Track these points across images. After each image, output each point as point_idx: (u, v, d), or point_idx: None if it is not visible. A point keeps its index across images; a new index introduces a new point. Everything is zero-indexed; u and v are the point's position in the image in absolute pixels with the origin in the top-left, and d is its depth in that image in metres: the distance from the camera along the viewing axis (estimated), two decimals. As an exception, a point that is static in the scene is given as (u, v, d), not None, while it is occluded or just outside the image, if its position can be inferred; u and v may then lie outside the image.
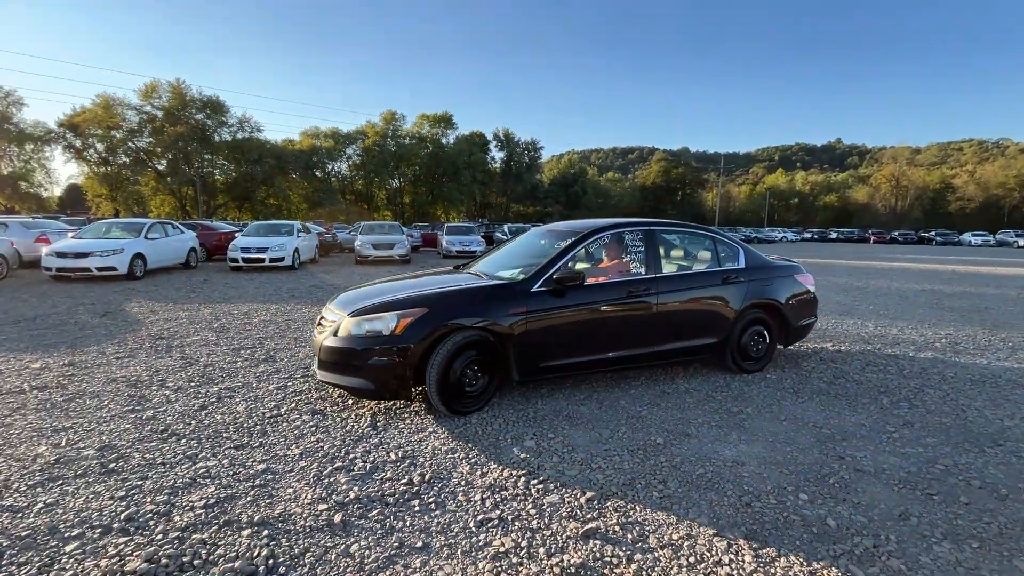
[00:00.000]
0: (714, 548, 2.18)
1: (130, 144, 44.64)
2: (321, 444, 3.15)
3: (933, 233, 53.52)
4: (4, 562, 2.03)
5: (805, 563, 2.09)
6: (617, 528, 2.32)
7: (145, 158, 45.41)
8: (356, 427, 3.42)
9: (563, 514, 2.43)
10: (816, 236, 57.36)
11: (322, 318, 3.95)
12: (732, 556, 2.13)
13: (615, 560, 2.11)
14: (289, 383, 4.32)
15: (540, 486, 2.68)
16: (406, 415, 3.63)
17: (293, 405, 3.81)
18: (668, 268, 4.51)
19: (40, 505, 2.44)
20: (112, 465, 2.83)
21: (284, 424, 3.45)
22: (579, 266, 4.31)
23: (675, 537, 2.26)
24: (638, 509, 2.48)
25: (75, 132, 42.84)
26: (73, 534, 2.22)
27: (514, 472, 2.82)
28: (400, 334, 3.44)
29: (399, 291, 3.91)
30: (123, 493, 2.55)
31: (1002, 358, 5.40)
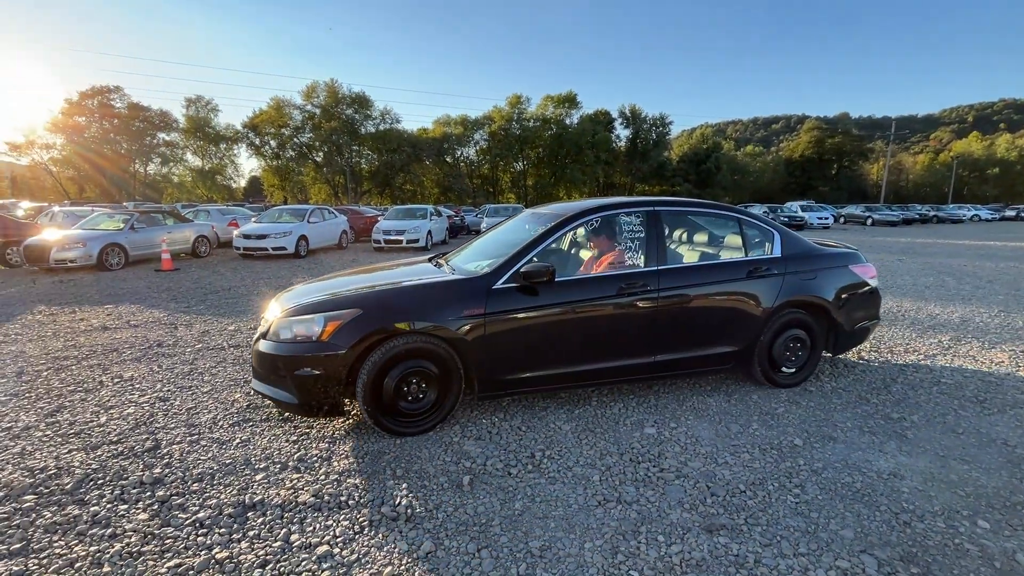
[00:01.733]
0: (863, 566, 1.97)
1: (295, 140, 51.45)
2: (453, 415, 3.42)
3: None
4: (214, 482, 2.57)
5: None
6: (744, 527, 2.20)
7: (306, 151, 52.04)
8: (487, 403, 3.64)
9: (685, 504, 2.36)
10: (1023, 215, 46.25)
11: (263, 317, 3.44)
12: (883, 577, 1.91)
13: (741, 560, 2.01)
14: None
15: (661, 474, 2.63)
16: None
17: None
18: (677, 259, 3.77)
19: (238, 441, 3.02)
20: (286, 415, 3.39)
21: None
22: (581, 254, 3.80)
23: (812, 547, 2.08)
24: (769, 511, 2.32)
25: (255, 132, 50.56)
26: (261, 467, 2.72)
27: (634, 457, 2.80)
28: (327, 340, 2.92)
29: (341, 287, 3.39)
30: (295, 438, 3.05)
31: None
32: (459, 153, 59.56)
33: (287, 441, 3.00)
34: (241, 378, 4.08)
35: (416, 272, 3.74)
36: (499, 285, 3.17)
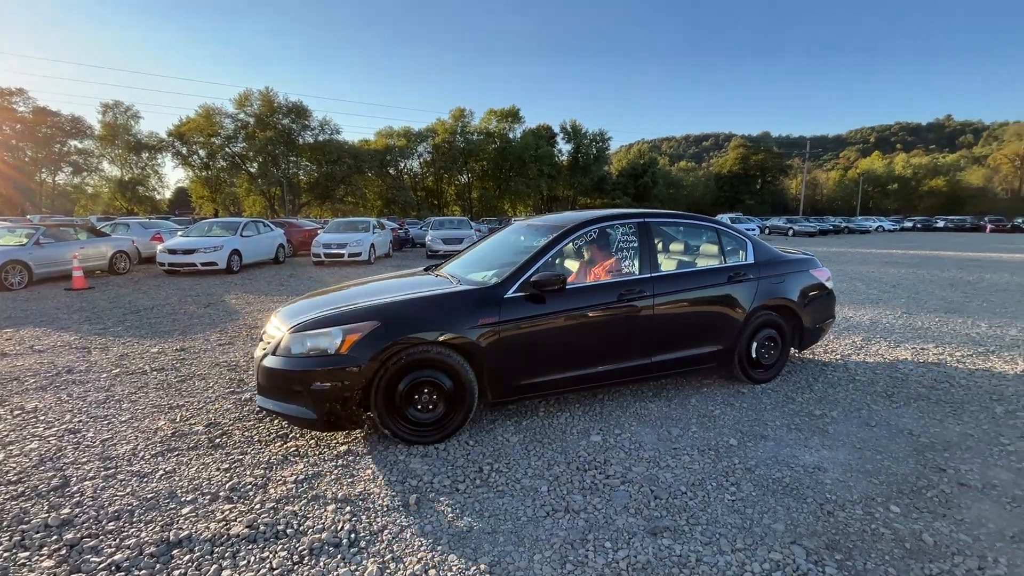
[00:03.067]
0: (792, 556, 2.09)
1: (227, 149, 48.92)
2: (396, 430, 3.33)
3: (1068, 220, 46.45)
4: (133, 519, 2.35)
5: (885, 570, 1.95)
6: (686, 528, 2.28)
7: (239, 162, 49.58)
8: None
9: (630, 510, 2.42)
10: (919, 225, 51.64)
11: (264, 332, 3.41)
12: (812, 566, 2.03)
13: (683, 559, 2.07)
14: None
15: (607, 481, 2.68)
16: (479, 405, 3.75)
17: (371, 392, 4.05)
18: (666, 266, 4.04)
19: (161, 472, 2.79)
20: (218, 440, 3.17)
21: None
22: (567, 264, 3.97)
23: (748, 542, 2.19)
24: (708, 510, 2.41)
25: (182, 140, 47.64)
26: (188, 499, 2.52)
27: (580, 466, 2.84)
28: (346, 353, 2.92)
29: (350, 300, 3.37)
30: (227, 466, 2.85)
31: None
32: (403, 165, 58.94)
33: (218, 470, 2.81)
34: (166, 404, 3.79)
35: (419, 283, 3.75)
36: (510, 294, 3.28)
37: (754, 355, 4.08)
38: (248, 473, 2.77)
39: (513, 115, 58.43)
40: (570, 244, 3.75)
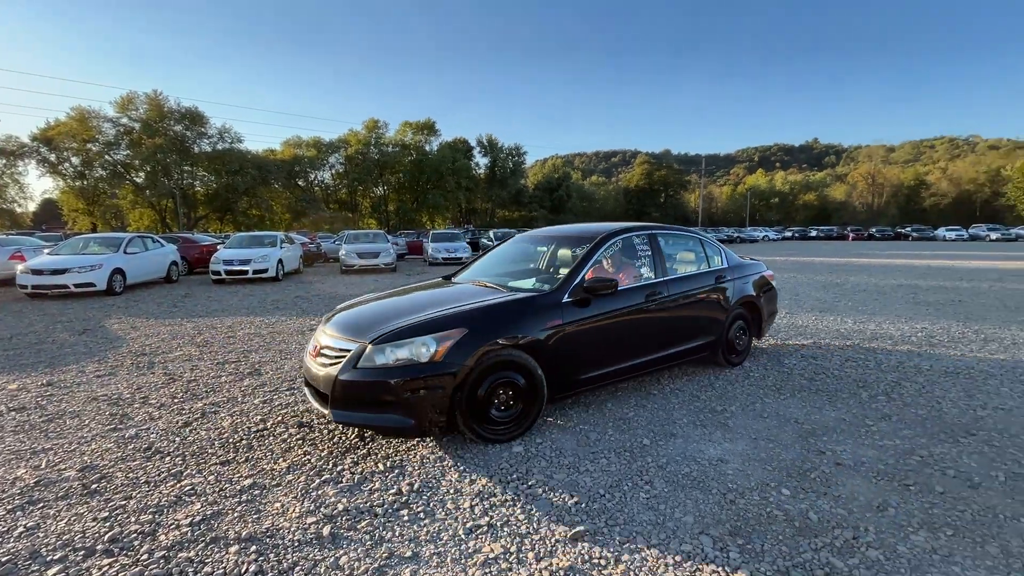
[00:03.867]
0: (700, 545, 2.22)
1: (107, 157, 43.84)
2: (308, 457, 3.13)
3: (909, 229, 54.85)
4: (-16, 589, 1.99)
5: (788, 557, 2.14)
6: (605, 530, 2.35)
7: (123, 171, 44.63)
8: (344, 439, 3.40)
9: (552, 518, 2.45)
10: (796, 235, 58.36)
11: (324, 347, 3.37)
12: (718, 552, 2.17)
13: (603, 562, 2.13)
14: (275, 396, 4.29)
15: (529, 491, 2.70)
16: (394, 425, 3.62)
17: (279, 418, 3.78)
18: (672, 271, 4.51)
19: (21, 529, 2.39)
20: (95, 486, 2.79)
21: (271, 438, 3.43)
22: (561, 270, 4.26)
23: (662, 537, 2.30)
24: (625, 511, 2.51)
25: (49, 146, 41.93)
26: (55, 558, 2.18)
27: (503, 478, 2.84)
28: (441, 360, 3.03)
29: (416, 309, 3.47)
30: (106, 514, 2.51)
31: (975, 350, 5.56)
32: (313, 177, 56.35)
33: (95, 519, 2.46)
34: (27, 449, 3.27)
35: (470, 292, 3.90)
36: (566, 299, 3.61)
37: (731, 343, 4.89)
38: (133, 520, 2.46)
39: (429, 127, 58.20)
40: (601, 253, 4.10)
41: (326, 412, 3.16)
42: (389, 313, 3.53)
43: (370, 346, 3.09)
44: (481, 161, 65.17)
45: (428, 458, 3.10)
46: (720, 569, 2.07)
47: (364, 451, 3.20)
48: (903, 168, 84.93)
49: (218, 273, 13.67)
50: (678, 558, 2.15)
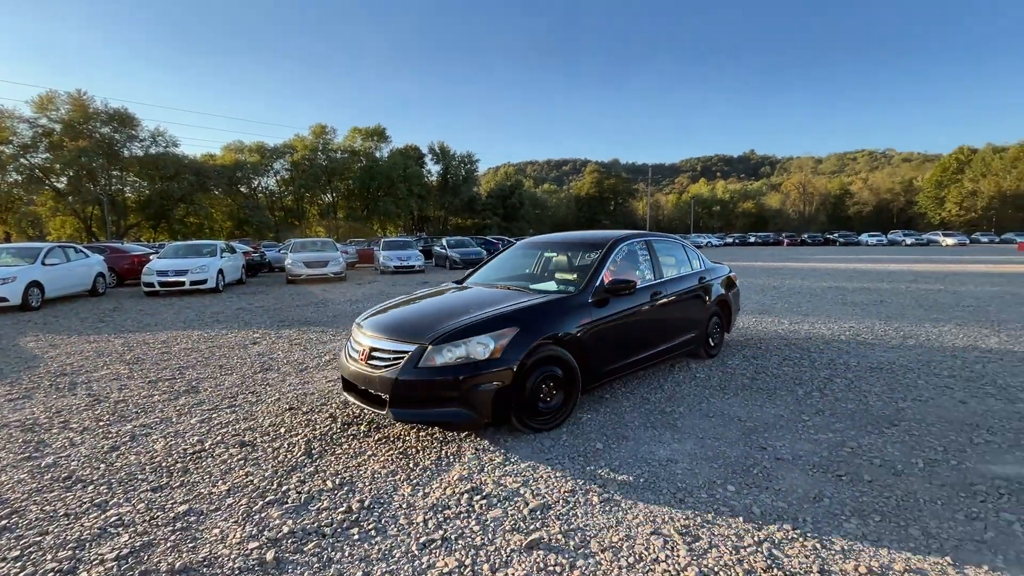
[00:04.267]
0: (651, 546, 2.27)
1: (23, 160, 40.36)
2: (251, 478, 2.97)
3: (837, 235, 58.95)
4: None
5: (733, 551, 2.22)
6: (560, 536, 2.36)
7: (41, 175, 41.20)
8: (289, 456, 3.26)
9: (507, 527, 2.44)
10: (737, 240, 61.46)
11: (375, 350, 3.51)
12: (668, 552, 2.23)
13: (559, 569, 2.14)
14: (214, 415, 4.05)
15: (483, 501, 2.67)
16: (343, 440, 3.51)
17: (219, 438, 3.57)
18: (666, 273, 4.97)
19: (-89, 577, 2.13)
20: (4, 522, 2.53)
21: (209, 460, 3.23)
22: (557, 275, 4.83)
23: (615, 539, 2.33)
24: (579, 515, 2.53)
25: (-47, 148, 38.15)
26: (-46, 606, 1.95)
27: (456, 489, 2.80)
28: (499, 356, 3.29)
29: (460, 311, 3.70)
30: (18, 552, 2.28)
31: (896, 346, 6.02)
32: (256, 183, 54.12)
33: (3, 560, 2.22)
34: (-80, 485, 2.91)
35: (492, 295, 4.18)
36: (591, 299, 3.97)
37: (709, 337, 5.43)
38: (49, 558, 2.24)
39: (379, 134, 57.32)
40: (613, 257, 4.47)
41: (382, 412, 3.34)
42: (437, 315, 3.77)
43: (430, 346, 3.30)
44: (433, 168, 64.87)
45: (379, 472, 3.01)
46: (671, 568, 2.12)
47: (311, 468, 3.08)
48: (830, 179, 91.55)
49: (151, 285, 12.81)
50: (631, 559, 2.18)
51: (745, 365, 5.28)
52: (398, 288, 13.87)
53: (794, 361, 5.41)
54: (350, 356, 3.73)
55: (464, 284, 4.89)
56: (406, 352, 3.34)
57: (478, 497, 2.72)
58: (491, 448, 3.33)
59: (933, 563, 2.14)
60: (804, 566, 2.12)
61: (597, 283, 4.10)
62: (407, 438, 3.50)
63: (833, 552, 2.21)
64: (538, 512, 2.56)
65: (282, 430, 3.70)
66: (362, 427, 3.71)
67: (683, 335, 4.95)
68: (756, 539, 2.31)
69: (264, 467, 3.10)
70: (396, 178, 54.35)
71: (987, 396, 4.20)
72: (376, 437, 3.52)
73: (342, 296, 12.27)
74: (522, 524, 2.46)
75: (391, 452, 3.29)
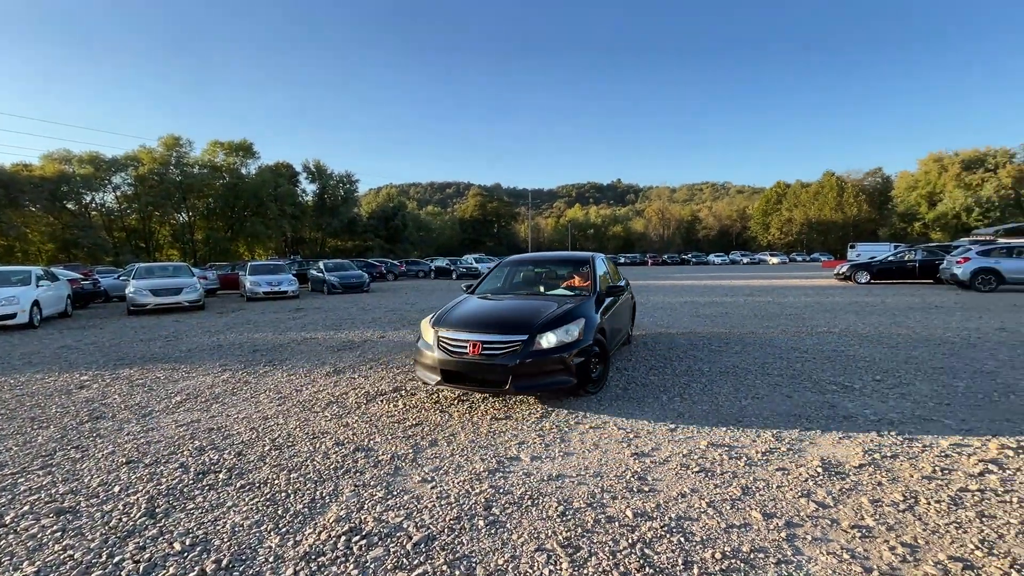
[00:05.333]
0: (535, 563, 2.30)
1: None
2: (70, 552, 2.46)
3: (690, 256, 66.82)
4: None
5: (610, 556, 2.34)
6: (445, 568, 2.29)
7: None
8: (125, 520, 2.76)
9: (389, 567, 2.30)
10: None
11: (487, 343, 4.47)
12: (552, 567, 2.27)
13: (444, 602, 2.06)
14: (20, 480, 3.31)
15: (363, 542, 2.51)
16: (197, 492, 3.07)
17: (25, 508, 2.92)
18: (614, 280, 6.61)
19: None
20: None
21: (11, 537, 2.61)
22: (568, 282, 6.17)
23: (500, 562, 2.32)
24: (465, 543, 2.48)
25: None
26: None
27: (333, 532, 2.59)
28: (582, 338, 4.57)
29: (528, 310, 4.97)
30: None
31: (738, 351, 6.92)
32: (89, 199, 46.36)
33: None
34: None
35: (527, 299, 5.62)
36: (598, 297, 5.49)
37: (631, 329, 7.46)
38: None
39: (245, 149, 52.59)
40: (595, 267, 6.07)
41: (502, 389, 4.37)
42: (520, 313, 4.94)
43: (537, 335, 4.46)
44: (309, 188, 61.16)
45: (241, 525, 2.67)
46: (555, 582, 2.16)
47: (154, 531, 2.64)
48: (683, 206, 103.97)
49: (-69, 322, 10.21)
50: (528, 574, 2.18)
51: (617, 377, 5.67)
52: (268, 316, 12.72)
53: (658, 370, 5.95)
54: (452, 352, 4.56)
55: (483, 294, 6.02)
56: (519, 341, 4.41)
57: (357, 538, 2.54)
58: (371, 483, 3.15)
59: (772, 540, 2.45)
60: (671, 560, 2.30)
61: (598, 287, 5.62)
62: (275, 482, 3.18)
63: (694, 543, 2.43)
64: (422, 545, 2.46)
65: (116, 489, 3.14)
66: (220, 475, 3.29)
67: (628, 324, 6.86)
68: (630, 541, 2.45)
69: (90, 537, 2.59)
70: (266, 197, 50.12)
71: (806, 391, 4.99)
72: (238, 484, 3.15)
73: (199, 327, 10.91)
74: (405, 561, 2.34)
75: (256, 500, 2.95)
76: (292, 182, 57.39)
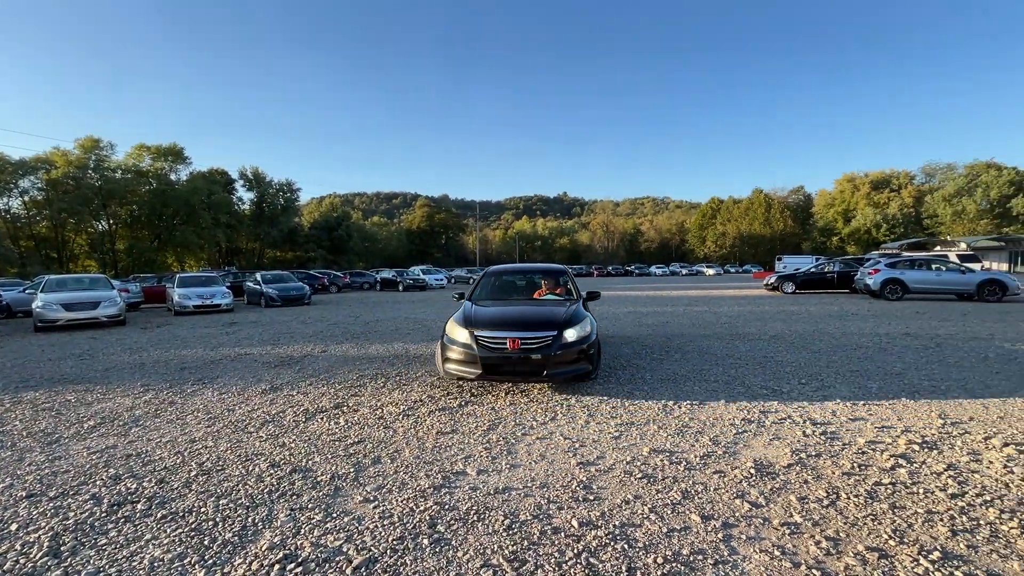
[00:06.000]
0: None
1: None
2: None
3: (634, 267, 69.18)
4: None
5: (556, 568, 2.33)
6: (387, 590, 2.20)
7: None
8: (23, 562, 2.47)
9: (327, 594, 2.19)
10: (557, 272, 67.66)
11: (524, 339, 5.20)
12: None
13: (385, 627, 1.98)
14: None
15: (298, 569, 2.37)
16: (110, 525, 2.80)
17: (-102, 555, 2.54)
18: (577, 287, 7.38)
19: None
20: None
21: None
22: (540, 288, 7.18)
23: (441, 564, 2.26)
24: (408, 563, 2.41)
25: None
26: None
27: (265, 561, 2.43)
28: (591, 333, 5.51)
29: (546, 312, 5.76)
30: None
31: (678, 359, 7.20)
32: (-12, 204, 41.88)
33: None
34: None
35: (532, 302, 6.61)
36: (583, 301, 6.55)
37: None
38: None
39: (175, 153, 49.49)
40: (570, 277, 7.28)
41: (540, 376, 5.19)
42: (540, 313, 5.76)
43: (564, 330, 5.30)
44: (246, 196, 58.34)
45: (161, 560, 2.46)
46: (500, 598, 2.13)
47: (58, 572, 2.37)
48: (626, 219, 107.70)
49: None
50: (462, 599, 2.13)
51: (564, 387, 5.74)
52: (198, 332, 11.94)
53: (603, 379, 6.07)
54: (492, 348, 5.23)
55: (482, 301, 6.63)
56: (550, 336, 5.22)
57: (292, 565, 2.40)
58: (309, 506, 2.99)
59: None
60: (615, 568, 2.32)
61: (581, 292, 6.86)
62: (202, 510, 2.95)
63: (613, 538, 2.47)
64: (363, 569, 2.36)
65: (13, 527, 2.81)
66: (139, 505, 3.02)
67: None
68: (575, 550, 2.46)
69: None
70: (198, 205, 47.21)
71: (739, 396, 5.26)
72: (159, 515, 2.90)
73: (119, 344, 10.06)
74: (345, 586, 2.24)
75: (179, 530, 2.73)
76: (228, 190, 54.63)
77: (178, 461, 3.75)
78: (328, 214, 70.04)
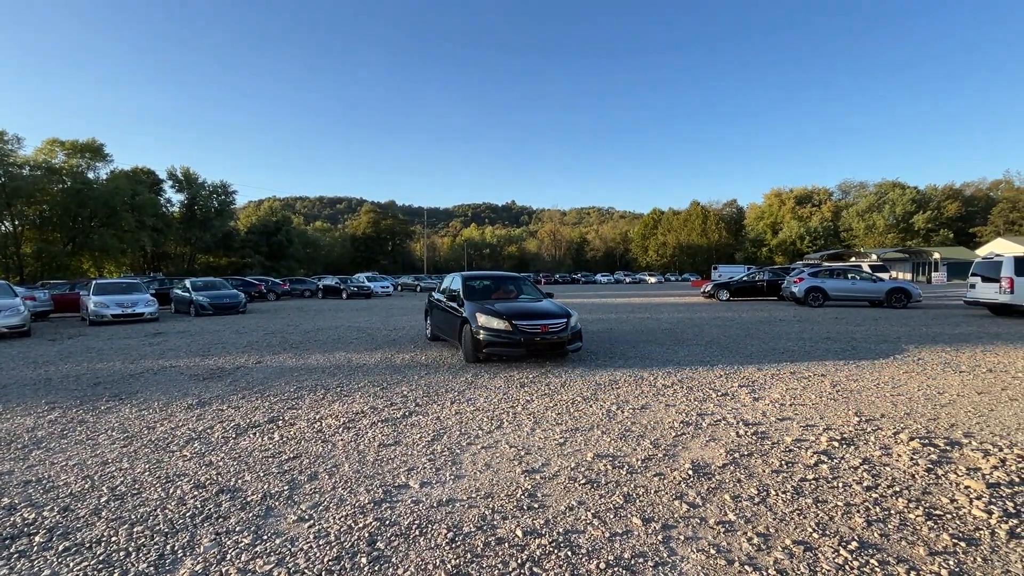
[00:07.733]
0: (423, 597, 2.18)
1: None
2: None
3: (580, 275, 70.72)
4: None
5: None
6: (321, 615, 2.08)
7: None
8: None
9: (254, 623, 2.04)
10: (505, 280, 68.00)
11: (550, 324, 7.33)
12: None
13: (318, 655, 1.87)
14: None
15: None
16: (1, 562, 2.48)
17: None
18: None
19: None
20: None
21: None
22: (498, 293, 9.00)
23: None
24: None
25: None
26: None
27: (186, 592, 2.24)
28: (578, 320, 7.78)
29: (542, 305, 8.06)
30: None
31: (620, 365, 7.38)
32: None
33: None
34: None
35: (524, 299, 8.69)
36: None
37: None
38: None
39: (93, 150, 45.62)
40: (531, 282, 9.56)
41: (561, 351, 7.51)
42: (547, 307, 7.88)
43: (569, 319, 7.57)
44: (175, 197, 54.77)
45: (63, 597, 2.20)
46: None
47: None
48: (572, 228, 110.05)
49: None
50: (401, 619, 2.05)
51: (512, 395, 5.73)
52: (117, 343, 11.00)
53: (552, 385, 6.12)
54: (528, 332, 7.11)
55: (478, 301, 8.18)
56: (563, 322, 7.41)
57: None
58: (237, 528, 2.80)
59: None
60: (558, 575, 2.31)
61: (545, 293, 9.00)
62: (113, 539, 2.69)
63: (558, 535, 2.48)
64: (296, 593, 2.22)
65: None
66: (37, 538, 2.71)
67: None
68: (519, 560, 2.44)
69: None
70: (119, 206, 43.65)
71: (680, 400, 5.45)
72: (61, 547, 2.61)
73: (21, 358, 9.09)
74: (274, 613, 2.09)
75: (85, 564, 2.47)
76: (154, 190, 51.13)
77: (86, 486, 3.41)
78: (267, 218, 66.97)
